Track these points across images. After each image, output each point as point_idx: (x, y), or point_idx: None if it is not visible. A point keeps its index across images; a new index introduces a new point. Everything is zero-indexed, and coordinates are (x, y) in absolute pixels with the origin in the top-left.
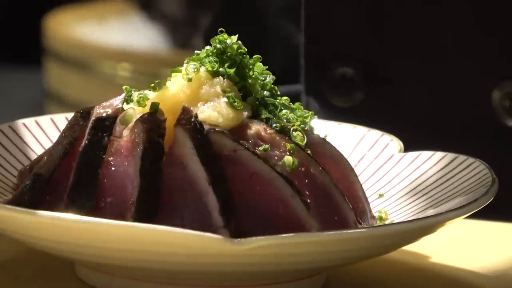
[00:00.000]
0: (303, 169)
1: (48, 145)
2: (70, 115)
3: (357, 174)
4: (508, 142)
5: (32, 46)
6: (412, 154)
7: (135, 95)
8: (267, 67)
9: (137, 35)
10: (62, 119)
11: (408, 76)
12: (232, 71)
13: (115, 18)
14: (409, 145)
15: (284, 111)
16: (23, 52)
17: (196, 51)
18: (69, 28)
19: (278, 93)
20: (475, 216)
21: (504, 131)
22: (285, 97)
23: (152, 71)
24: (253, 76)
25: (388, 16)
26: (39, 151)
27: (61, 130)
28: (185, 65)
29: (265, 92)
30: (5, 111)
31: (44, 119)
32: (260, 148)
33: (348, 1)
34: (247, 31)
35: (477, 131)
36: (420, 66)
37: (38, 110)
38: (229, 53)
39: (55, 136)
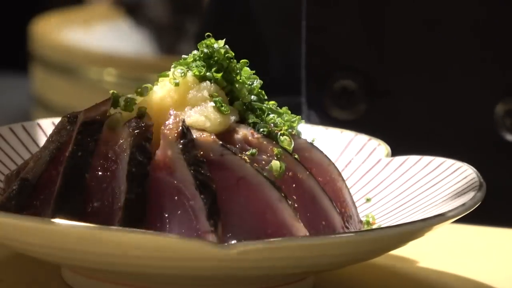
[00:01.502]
0: (290, 173)
1: (35, 150)
2: (57, 120)
3: (345, 178)
4: (509, 155)
5: (18, 52)
6: (400, 159)
7: (122, 99)
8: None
9: (123, 40)
10: (49, 124)
11: (410, 88)
12: (219, 75)
13: (101, 23)
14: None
15: (271, 115)
16: (9, 57)
17: (184, 56)
18: (55, 33)
19: (265, 97)
20: (462, 220)
21: (506, 145)
22: (272, 102)
23: (138, 76)
24: (240, 80)
25: (389, 28)
26: (26, 156)
27: (48, 135)
28: (172, 69)
29: (252, 97)
30: None
31: (31, 124)
32: (248, 153)
33: (349, 13)
34: (242, 39)
35: (479, 144)
36: (422, 78)
37: (24, 115)
38: (216, 58)
39: (42, 141)
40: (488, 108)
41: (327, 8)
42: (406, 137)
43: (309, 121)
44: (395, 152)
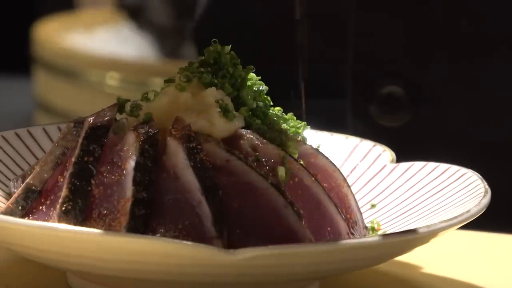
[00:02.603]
0: (295, 179)
1: (40, 155)
2: (63, 125)
3: (350, 184)
4: None
5: (20, 55)
6: (405, 165)
7: (128, 105)
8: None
9: (126, 44)
10: (55, 129)
11: (455, 97)
12: (225, 81)
13: (103, 27)
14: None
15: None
16: (12, 60)
17: (189, 61)
18: (58, 37)
19: (271, 103)
20: (468, 227)
21: None
22: (278, 108)
23: (140, 80)
24: (246, 86)
25: (437, 35)
26: (32, 161)
27: (54, 140)
28: (177, 75)
29: (258, 103)
30: None
31: (36, 129)
32: (253, 158)
33: (396, 19)
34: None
35: None
36: (467, 87)
37: (26, 118)
38: (222, 63)
39: (47, 146)
40: None
41: (375, 13)
42: (450, 145)
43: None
44: (441, 159)
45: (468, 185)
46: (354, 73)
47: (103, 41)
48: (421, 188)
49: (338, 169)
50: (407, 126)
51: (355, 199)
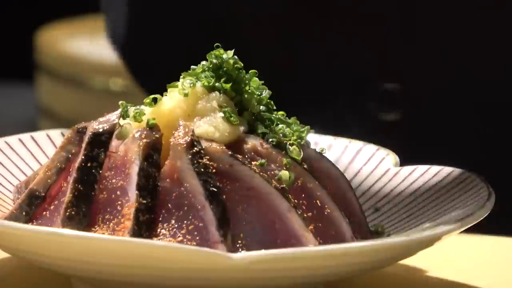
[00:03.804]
0: (299, 183)
1: (44, 160)
2: (66, 131)
3: (353, 188)
4: None
5: (24, 61)
6: (408, 168)
7: (131, 110)
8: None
9: None
10: (58, 135)
11: (447, 96)
12: (228, 86)
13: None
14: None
15: (280, 125)
16: (15, 67)
17: (192, 66)
18: (61, 44)
19: (274, 107)
20: (472, 230)
21: None
22: (281, 112)
23: None
24: (249, 91)
25: (427, 35)
26: (35, 166)
27: (57, 146)
28: (181, 80)
29: (261, 107)
30: None
31: (40, 135)
32: (257, 163)
33: (386, 17)
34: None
35: None
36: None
37: (30, 124)
38: (225, 68)
39: (51, 151)
40: None
41: (365, 12)
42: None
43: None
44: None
45: (471, 188)
46: (352, 71)
47: (106, 47)
48: (424, 192)
49: (342, 173)
50: (405, 122)
51: (358, 202)
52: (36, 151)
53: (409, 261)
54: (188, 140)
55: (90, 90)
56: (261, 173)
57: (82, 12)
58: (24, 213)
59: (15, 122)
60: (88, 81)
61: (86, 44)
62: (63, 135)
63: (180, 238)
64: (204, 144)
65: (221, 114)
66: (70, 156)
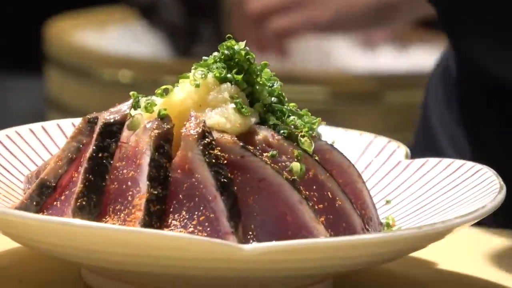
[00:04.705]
0: (310, 175)
1: (54, 150)
2: (77, 121)
3: (364, 180)
4: None
5: (32, 53)
6: (419, 161)
7: (143, 101)
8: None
9: (138, 42)
10: (69, 125)
11: None
12: (239, 77)
13: (115, 25)
14: None
15: (291, 117)
16: (24, 58)
17: (204, 57)
18: (70, 35)
19: (286, 99)
20: (482, 223)
21: None
22: (293, 104)
23: (152, 78)
24: (261, 82)
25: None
26: (46, 156)
27: (68, 136)
28: (192, 71)
29: (272, 98)
30: (6, 118)
31: (50, 125)
32: (268, 154)
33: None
34: None
35: None
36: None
37: (38, 116)
38: (236, 59)
39: (61, 141)
40: None
41: None
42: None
43: None
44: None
45: (483, 181)
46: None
47: (116, 39)
48: (436, 184)
49: (353, 165)
50: None
51: (370, 195)
52: (46, 141)
53: (419, 254)
54: (200, 131)
55: (99, 82)
56: (272, 165)
57: (91, 4)
58: (34, 203)
59: (23, 113)
60: (97, 73)
61: (95, 35)
62: (73, 125)
63: (191, 229)
64: (216, 135)
65: (233, 105)
66: (81, 146)
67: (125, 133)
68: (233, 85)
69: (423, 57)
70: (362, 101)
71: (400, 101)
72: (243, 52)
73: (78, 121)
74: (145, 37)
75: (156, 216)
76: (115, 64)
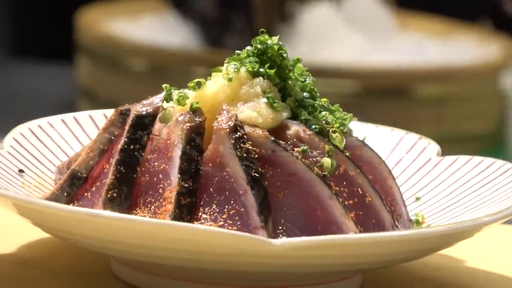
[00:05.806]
0: (341, 171)
1: (86, 141)
2: (109, 112)
3: (395, 177)
4: None
5: (64, 42)
6: (450, 158)
7: (175, 93)
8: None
9: (169, 32)
10: (101, 116)
11: None
12: (272, 72)
13: (147, 15)
14: None
15: (323, 112)
16: (55, 47)
17: (237, 51)
18: (101, 25)
19: (318, 94)
20: None
21: None
22: (324, 99)
23: (183, 69)
24: (293, 77)
25: None
26: (77, 147)
27: (99, 127)
28: (225, 64)
29: (304, 94)
30: (37, 107)
31: (82, 115)
32: (299, 149)
33: None
34: None
35: None
36: None
37: (69, 105)
38: (269, 54)
39: (93, 132)
40: None
41: None
42: None
43: None
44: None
45: None
46: None
47: (147, 29)
48: (466, 182)
49: (384, 162)
50: None
51: (400, 191)
52: (78, 132)
53: (448, 251)
54: (231, 124)
55: (129, 72)
56: (303, 160)
57: None
58: (65, 193)
59: (54, 102)
60: (128, 63)
61: (126, 25)
62: (106, 116)
63: (221, 223)
64: (247, 129)
65: (265, 100)
66: (112, 138)
67: (157, 125)
68: (265, 80)
69: (461, 51)
70: (391, 96)
71: (431, 95)
72: (276, 47)
73: (110, 112)
74: (177, 28)
75: (186, 209)
76: (146, 54)
